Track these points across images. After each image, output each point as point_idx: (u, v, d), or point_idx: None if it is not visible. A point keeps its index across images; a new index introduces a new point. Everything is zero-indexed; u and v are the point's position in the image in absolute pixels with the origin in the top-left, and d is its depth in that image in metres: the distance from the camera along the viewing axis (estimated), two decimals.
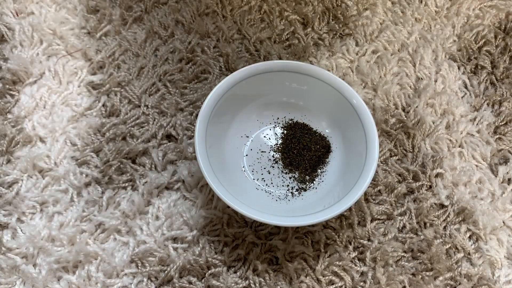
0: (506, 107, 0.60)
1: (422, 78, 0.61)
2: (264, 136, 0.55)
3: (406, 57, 0.62)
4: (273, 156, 0.54)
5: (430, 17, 0.65)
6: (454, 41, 0.64)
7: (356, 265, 0.49)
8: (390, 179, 0.54)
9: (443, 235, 0.51)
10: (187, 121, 0.56)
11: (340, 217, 0.51)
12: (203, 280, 0.48)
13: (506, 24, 0.66)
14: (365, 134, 0.49)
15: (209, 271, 0.48)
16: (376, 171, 0.52)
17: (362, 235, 0.51)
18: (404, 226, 0.52)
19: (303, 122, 0.56)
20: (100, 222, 0.50)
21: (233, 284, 0.47)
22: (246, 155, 0.54)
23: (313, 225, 0.50)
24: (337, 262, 0.49)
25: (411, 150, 0.56)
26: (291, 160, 0.53)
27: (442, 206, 0.53)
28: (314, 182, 0.52)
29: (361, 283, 0.49)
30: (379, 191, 0.53)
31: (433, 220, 0.52)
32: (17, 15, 0.60)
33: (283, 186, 0.52)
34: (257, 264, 0.49)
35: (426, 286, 0.49)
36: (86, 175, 0.52)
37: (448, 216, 0.52)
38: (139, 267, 0.48)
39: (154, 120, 0.55)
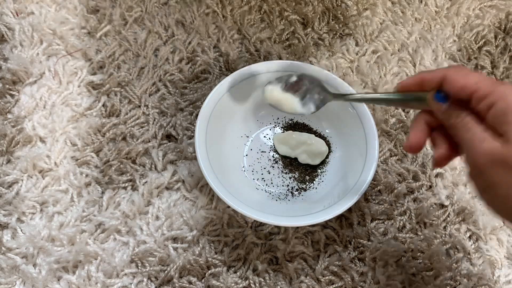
0: None
1: None
2: (264, 136, 0.55)
3: (406, 57, 0.62)
4: (273, 156, 0.54)
5: (430, 17, 0.65)
6: (454, 41, 0.64)
7: (356, 265, 0.49)
8: (390, 179, 0.54)
9: (443, 235, 0.51)
10: (187, 121, 0.56)
11: (340, 217, 0.51)
12: (203, 280, 0.48)
13: (506, 24, 0.66)
14: (365, 134, 0.49)
15: (209, 271, 0.48)
16: (376, 171, 0.52)
17: (362, 235, 0.51)
18: (404, 226, 0.52)
19: (303, 122, 0.56)
20: (100, 222, 0.50)
21: (233, 284, 0.47)
22: (246, 155, 0.54)
23: (313, 225, 0.50)
24: (337, 262, 0.49)
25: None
26: (291, 160, 0.53)
27: (442, 206, 0.53)
28: (314, 182, 0.52)
29: (361, 283, 0.49)
30: (379, 191, 0.53)
31: (433, 220, 0.52)
32: (17, 15, 0.60)
33: (283, 186, 0.52)
34: (257, 264, 0.49)
35: (426, 286, 0.49)
36: (86, 175, 0.52)
37: (448, 216, 0.52)
38: (139, 267, 0.48)
39: (154, 120, 0.55)
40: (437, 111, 0.35)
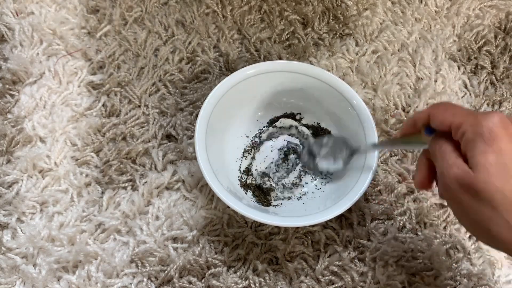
0: (506, 107, 0.60)
1: (422, 78, 0.61)
2: None
3: (406, 57, 0.62)
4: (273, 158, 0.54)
5: (430, 17, 0.65)
6: (454, 41, 0.64)
7: (356, 265, 0.49)
8: (390, 179, 0.54)
9: (443, 235, 0.51)
10: (187, 121, 0.56)
11: (340, 217, 0.51)
12: (203, 280, 0.48)
13: (506, 24, 0.66)
14: (365, 135, 0.49)
15: (209, 271, 0.48)
16: (376, 171, 0.52)
17: (362, 235, 0.51)
18: (404, 226, 0.52)
19: (303, 123, 0.56)
20: (100, 222, 0.50)
21: (233, 284, 0.47)
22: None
23: (313, 225, 0.50)
24: (337, 262, 0.49)
25: (411, 150, 0.56)
26: (290, 161, 0.53)
27: (442, 206, 0.53)
28: (314, 182, 0.52)
29: (361, 283, 0.49)
30: (379, 191, 0.53)
31: (433, 220, 0.52)
32: (17, 15, 0.60)
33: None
34: (257, 264, 0.49)
35: (426, 286, 0.49)
36: (86, 175, 0.52)
37: (448, 216, 0.52)
38: (139, 267, 0.48)
39: (154, 120, 0.55)
40: (428, 142, 0.39)
